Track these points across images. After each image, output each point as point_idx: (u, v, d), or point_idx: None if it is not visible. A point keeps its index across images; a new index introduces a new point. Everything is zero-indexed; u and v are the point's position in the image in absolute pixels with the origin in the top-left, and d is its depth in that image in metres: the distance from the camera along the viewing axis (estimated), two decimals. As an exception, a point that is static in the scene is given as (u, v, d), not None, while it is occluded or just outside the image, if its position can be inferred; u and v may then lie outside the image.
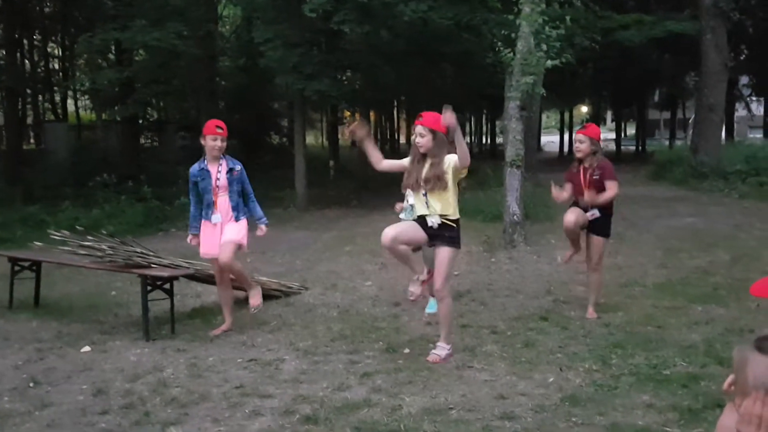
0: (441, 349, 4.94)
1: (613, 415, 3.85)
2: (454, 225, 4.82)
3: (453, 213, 4.81)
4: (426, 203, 4.81)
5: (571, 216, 5.85)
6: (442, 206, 4.77)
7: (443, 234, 4.81)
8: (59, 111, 28.59)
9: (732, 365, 4.36)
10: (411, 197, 5.42)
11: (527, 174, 10.76)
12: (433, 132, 4.72)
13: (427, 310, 6.23)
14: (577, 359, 4.84)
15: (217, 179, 5.60)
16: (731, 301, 6.30)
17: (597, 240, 5.89)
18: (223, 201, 5.63)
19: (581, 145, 5.81)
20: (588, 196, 5.75)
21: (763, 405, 1.50)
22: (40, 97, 28.35)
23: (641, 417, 3.82)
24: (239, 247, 5.70)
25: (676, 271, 7.71)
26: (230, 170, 5.64)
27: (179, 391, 4.44)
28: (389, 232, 4.69)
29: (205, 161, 5.65)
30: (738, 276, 7.26)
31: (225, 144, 5.63)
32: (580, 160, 5.85)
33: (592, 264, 5.95)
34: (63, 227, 11.84)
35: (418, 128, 4.80)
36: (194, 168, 5.70)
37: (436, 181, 4.71)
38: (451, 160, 4.73)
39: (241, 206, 5.72)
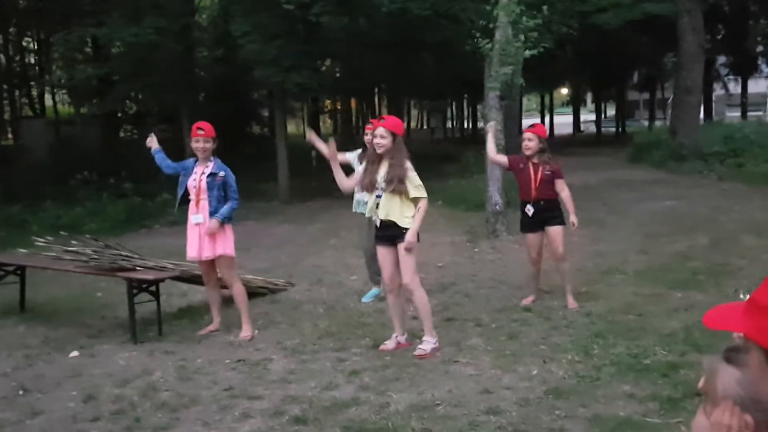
0: (426, 344, 5.02)
1: (595, 407, 3.94)
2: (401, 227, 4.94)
3: (399, 220, 4.91)
4: (377, 205, 4.97)
5: (529, 247, 6.19)
6: (390, 212, 4.92)
7: (396, 233, 4.94)
8: (37, 106, 28.31)
9: (709, 351, 4.44)
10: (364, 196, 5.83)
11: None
12: (393, 135, 4.92)
13: (364, 299, 6.62)
14: (559, 350, 4.93)
15: (197, 180, 5.58)
16: (710, 287, 6.43)
17: (555, 230, 6.05)
18: (204, 205, 5.58)
19: (530, 143, 6.05)
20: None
21: (732, 415, 1.57)
22: (17, 92, 28.05)
23: (622, 408, 3.91)
24: (232, 259, 5.72)
25: (657, 257, 7.83)
26: (212, 174, 5.58)
27: (169, 395, 4.48)
28: (385, 276, 5.11)
29: (197, 160, 5.69)
30: (717, 261, 7.40)
31: (209, 145, 5.60)
32: (528, 157, 6.04)
33: (558, 255, 6.09)
34: (45, 227, 11.88)
35: (379, 130, 4.95)
36: (189, 161, 5.78)
37: (398, 184, 4.86)
38: (411, 171, 4.91)
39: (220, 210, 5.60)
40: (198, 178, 5.60)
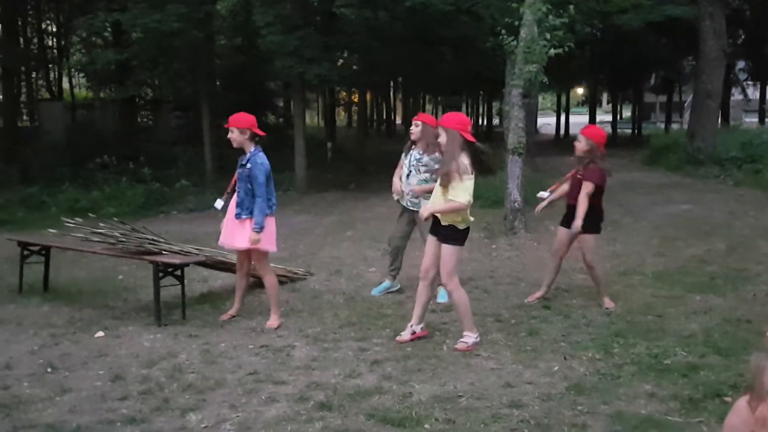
0: (468, 338, 5.07)
1: (617, 404, 3.99)
2: (448, 226, 4.98)
3: (440, 216, 4.99)
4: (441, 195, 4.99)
5: (559, 239, 6.22)
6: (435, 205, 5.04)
7: (439, 230, 5.03)
8: (54, 89, 28.46)
9: (728, 353, 4.46)
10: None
11: (526, 159, 10.85)
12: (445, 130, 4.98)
13: (438, 300, 6.38)
14: (580, 348, 4.97)
15: (237, 172, 5.65)
16: (728, 291, 6.45)
17: (583, 237, 5.98)
18: (239, 195, 5.65)
19: (578, 144, 5.98)
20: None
21: (777, 411, 1.62)
22: (34, 75, 28.21)
23: (644, 406, 3.96)
24: (265, 254, 5.72)
25: (674, 260, 7.85)
26: (242, 165, 5.60)
27: (195, 377, 4.56)
28: (422, 264, 5.15)
29: None
30: (734, 265, 7.41)
31: (234, 135, 5.55)
32: (579, 159, 5.99)
33: (586, 261, 6.08)
34: (63, 209, 12.04)
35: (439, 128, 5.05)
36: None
37: (445, 176, 4.90)
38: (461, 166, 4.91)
39: (246, 204, 5.57)
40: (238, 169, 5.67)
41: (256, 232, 5.50)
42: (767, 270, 7.20)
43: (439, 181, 4.98)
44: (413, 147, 6.38)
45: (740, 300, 6.16)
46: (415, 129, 6.32)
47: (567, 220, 6.08)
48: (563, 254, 6.29)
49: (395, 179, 6.47)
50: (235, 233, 5.65)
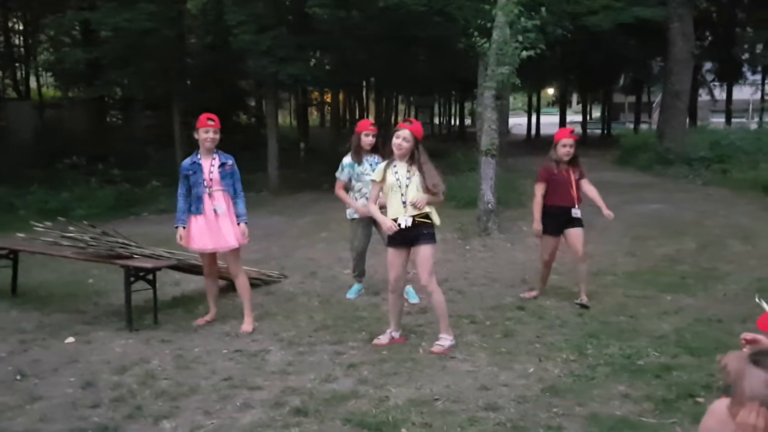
0: (444, 340, 5.06)
1: (591, 406, 4.01)
2: (429, 221, 5.01)
3: (433, 217, 5.04)
4: (403, 203, 4.97)
5: (548, 249, 6.31)
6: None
7: (421, 231, 4.99)
8: (21, 88, 27.95)
9: (700, 354, 4.49)
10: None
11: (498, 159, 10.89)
12: (416, 139, 5.00)
13: (411, 300, 6.36)
14: (554, 349, 5.00)
15: (210, 173, 5.56)
16: (699, 291, 6.54)
17: (577, 231, 6.12)
18: (220, 195, 5.56)
19: (572, 149, 6.10)
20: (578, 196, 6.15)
21: (758, 416, 1.63)
22: (0, 74, 27.68)
23: (618, 407, 3.99)
24: (239, 253, 5.75)
25: (645, 260, 7.94)
26: (222, 165, 5.59)
27: (168, 383, 4.49)
28: (392, 277, 5.13)
29: (198, 155, 5.62)
30: (705, 265, 7.52)
31: (218, 136, 5.59)
32: (565, 163, 6.10)
33: (580, 255, 6.17)
34: (32, 211, 11.83)
35: (404, 132, 5.00)
36: (186, 162, 5.67)
37: (434, 186, 4.96)
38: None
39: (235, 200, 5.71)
40: (210, 170, 5.57)
41: (246, 223, 5.69)
42: (737, 269, 7.32)
43: (427, 189, 4.97)
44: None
45: (711, 299, 6.25)
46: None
47: (557, 227, 6.18)
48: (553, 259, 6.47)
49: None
50: (225, 233, 5.58)
